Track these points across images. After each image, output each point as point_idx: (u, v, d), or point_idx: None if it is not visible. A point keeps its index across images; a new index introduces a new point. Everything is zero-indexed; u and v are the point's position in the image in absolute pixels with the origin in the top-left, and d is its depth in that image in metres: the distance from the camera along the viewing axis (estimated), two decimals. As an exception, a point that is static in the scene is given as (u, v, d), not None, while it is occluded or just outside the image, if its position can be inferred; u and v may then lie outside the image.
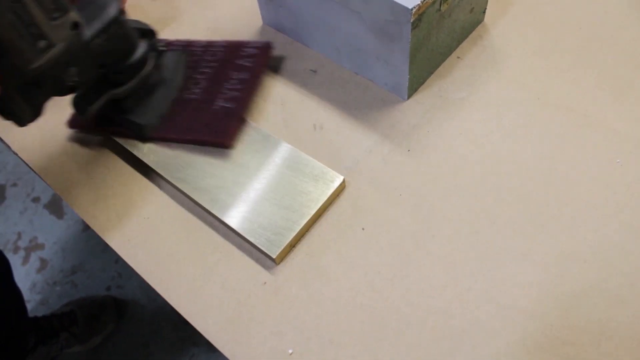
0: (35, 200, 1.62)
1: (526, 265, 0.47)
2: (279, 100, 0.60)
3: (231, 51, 0.60)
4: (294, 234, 0.49)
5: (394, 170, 0.54)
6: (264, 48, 0.60)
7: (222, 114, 0.56)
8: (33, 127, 0.61)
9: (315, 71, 0.62)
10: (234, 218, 0.51)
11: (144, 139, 0.57)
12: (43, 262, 1.50)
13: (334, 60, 0.62)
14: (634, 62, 0.59)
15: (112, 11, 0.49)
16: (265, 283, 0.49)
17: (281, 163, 0.54)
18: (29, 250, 1.53)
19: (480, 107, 0.57)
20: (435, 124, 0.56)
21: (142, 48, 0.53)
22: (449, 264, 0.48)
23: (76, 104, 0.53)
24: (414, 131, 0.56)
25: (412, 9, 0.48)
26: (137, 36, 0.54)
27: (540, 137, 0.54)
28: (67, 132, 0.61)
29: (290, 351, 0.46)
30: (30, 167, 0.59)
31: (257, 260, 0.50)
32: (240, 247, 0.51)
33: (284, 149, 0.54)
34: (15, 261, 1.51)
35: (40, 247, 1.53)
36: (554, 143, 0.54)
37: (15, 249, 1.54)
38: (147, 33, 0.56)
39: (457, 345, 0.44)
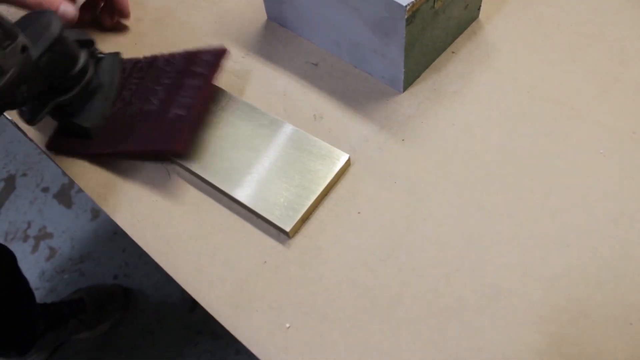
0: (45, 190, 1.66)
1: (511, 248, 0.50)
2: (281, 91, 0.63)
3: (188, 61, 0.62)
4: (305, 208, 0.53)
5: (389, 157, 0.57)
6: (218, 54, 0.61)
7: (174, 122, 0.57)
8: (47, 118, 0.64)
9: (316, 64, 0.65)
10: (247, 196, 0.54)
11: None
12: (52, 251, 1.54)
13: (334, 54, 0.65)
14: (620, 58, 0.61)
15: (55, 30, 0.53)
16: (265, 262, 0.52)
17: (289, 144, 0.57)
18: (38, 239, 1.57)
19: (472, 99, 0.60)
20: (430, 115, 0.59)
21: (83, 58, 0.57)
22: (438, 246, 0.51)
23: (23, 113, 0.57)
24: (409, 121, 0.59)
25: (406, 6, 0.51)
26: (78, 47, 0.58)
27: (528, 128, 0.57)
28: (80, 119, 0.64)
29: (287, 325, 0.49)
30: (45, 153, 0.62)
31: (259, 240, 0.53)
32: (243, 229, 0.54)
33: (290, 131, 0.58)
34: (24, 249, 1.55)
35: (49, 236, 1.57)
36: (541, 134, 0.57)
37: (25, 238, 1.57)
38: (86, 43, 0.60)
39: (444, 321, 0.47)
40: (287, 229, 0.52)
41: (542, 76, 0.61)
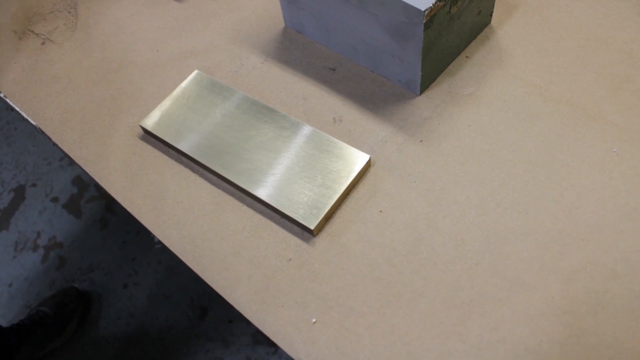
0: (54, 200, 1.67)
1: (529, 243, 0.52)
2: (301, 95, 0.65)
3: None
4: (328, 207, 0.54)
5: (407, 158, 0.58)
6: None
7: None
8: (73, 121, 0.65)
9: (334, 69, 0.67)
10: (271, 195, 0.56)
11: None
12: (62, 260, 1.55)
13: (351, 58, 0.67)
14: (629, 60, 0.63)
15: None
16: (290, 259, 0.53)
17: (309, 145, 0.58)
18: (48, 248, 1.58)
19: (487, 101, 0.62)
20: (446, 117, 0.61)
21: None
22: (458, 242, 0.53)
23: None
24: (425, 123, 0.61)
25: (424, 11, 0.53)
26: None
27: (542, 128, 0.59)
28: (104, 125, 0.66)
29: (314, 320, 0.50)
30: (70, 158, 0.64)
31: (283, 238, 0.55)
32: (266, 227, 0.56)
33: (310, 133, 0.59)
34: (34, 259, 1.56)
35: (59, 245, 1.58)
36: (555, 134, 0.58)
37: (35, 247, 1.58)
38: None
39: (465, 314, 0.49)
40: (312, 227, 0.53)
41: (553, 78, 0.63)
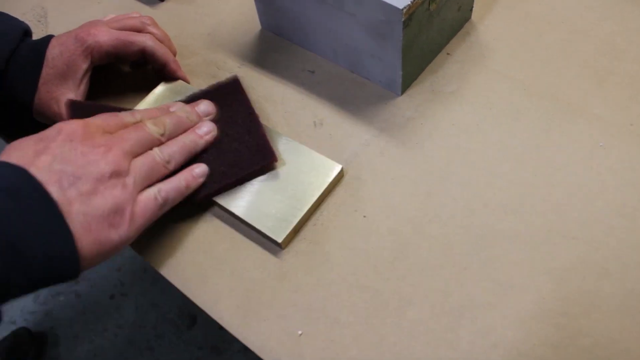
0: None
1: (518, 244, 0.50)
2: (279, 100, 0.63)
3: (215, 96, 0.60)
4: (297, 219, 0.52)
5: (391, 160, 0.57)
6: (235, 84, 0.61)
7: (253, 141, 0.56)
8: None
9: (313, 71, 0.65)
10: (240, 207, 0.54)
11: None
12: (46, 273, 1.52)
13: (330, 60, 0.65)
14: (613, 52, 0.62)
15: None
16: (272, 271, 0.52)
17: (284, 155, 0.56)
18: (32, 262, 1.55)
19: (470, 99, 0.60)
20: (429, 116, 0.59)
21: None
22: (445, 246, 0.51)
23: None
24: (408, 123, 0.59)
25: (403, 9, 0.52)
26: None
27: (527, 124, 0.58)
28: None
29: (299, 332, 0.48)
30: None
31: (264, 249, 0.53)
32: (247, 236, 0.54)
33: (284, 142, 0.57)
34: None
35: (43, 258, 1.55)
36: (540, 129, 0.57)
37: (19, 261, 1.55)
38: None
39: (456, 320, 0.47)
40: (279, 240, 0.51)
41: (537, 73, 0.61)
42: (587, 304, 0.47)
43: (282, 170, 0.56)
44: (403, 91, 0.61)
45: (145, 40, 0.60)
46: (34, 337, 1.43)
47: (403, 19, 0.52)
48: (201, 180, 0.53)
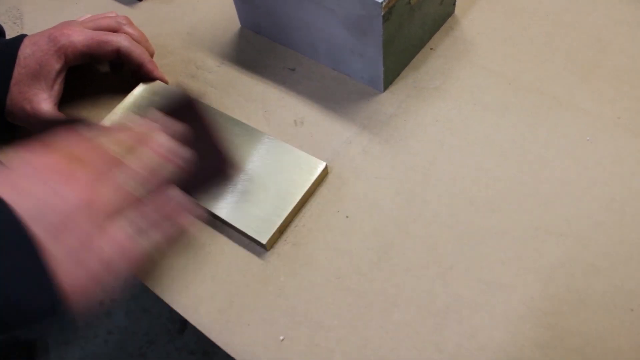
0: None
1: (505, 242, 0.49)
2: (260, 99, 0.61)
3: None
4: (282, 219, 0.51)
5: (374, 159, 0.55)
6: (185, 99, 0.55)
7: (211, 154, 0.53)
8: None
9: (293, 69, 0.63)
10: (223, 209, 0.52)
11: None
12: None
13: (311, 57, 0.64)
14: (598, 45, 0.61)
15: None
16: (254, 274, 0.50)
17: (266, 155, 0.55)
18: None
19: (454, 94, 0.59)
20: (412, 113, 0.58)
21: None
22: (430, 245, 0.50)
23: None
24: (391, 121, 0.58)
25: (382, 3, 0.50)
26: None
27: (513, 119, 0.56)
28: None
29: (281, 337, 0.47)
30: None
31: (246, 251, 0.51)
32: (230, 238, 0.52)
33: (266, 141, 0.56)
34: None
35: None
36: (526, 124, 0.56)
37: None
38: None
39: (442, 322, 0.46)
40: (264, 241, 0.50)
41: (522, 67, 0.60)
42: (576, 302, 0.46)
43: (266, 169, 0.54)
44: (385, 87, 0.60)
45: (120, 40, 0.59)
46: (23, 344, 1.41)
47: (383, 13, 0.51)
48: None
